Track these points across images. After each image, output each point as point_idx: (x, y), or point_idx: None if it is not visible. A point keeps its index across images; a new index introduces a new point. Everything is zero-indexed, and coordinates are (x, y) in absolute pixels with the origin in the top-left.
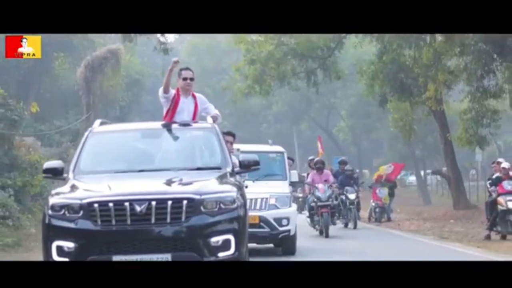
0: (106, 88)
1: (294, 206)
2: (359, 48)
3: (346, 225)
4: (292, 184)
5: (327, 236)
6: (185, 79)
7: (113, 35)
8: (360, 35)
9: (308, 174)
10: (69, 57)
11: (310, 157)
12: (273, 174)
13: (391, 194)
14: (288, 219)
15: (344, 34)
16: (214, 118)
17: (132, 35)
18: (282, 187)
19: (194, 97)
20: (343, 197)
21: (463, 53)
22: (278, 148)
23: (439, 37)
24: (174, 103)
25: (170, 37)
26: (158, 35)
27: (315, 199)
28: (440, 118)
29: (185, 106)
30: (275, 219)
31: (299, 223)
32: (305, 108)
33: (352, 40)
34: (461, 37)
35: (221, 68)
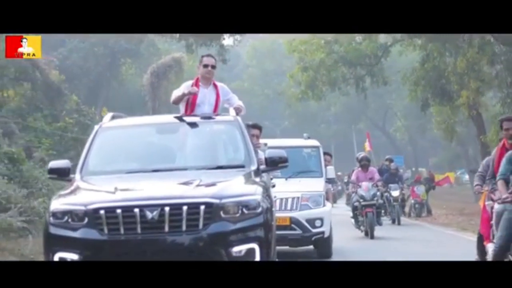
0: (170, 92)
1: (329, 205)
2: (404, 56)
3: (393, 221)
4: (330, 181)
5: (372, 237)
6: (206, 66)
7: (176, 43)
8: (405, 43)
9: (353, 171)
10: (135, 63)
11: (358, 153)
12: (307, 170)
13: (428, 190)
14: (321, 219)
15: (390, 43)
16: (238, 110)
17: (194, 47)
18: (316, 185)
19: (215, 86)
20: (387, 195)
21: (493, 62)
22: (313, 142)
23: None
24: (193, 95)
25: (230, 42)
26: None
27: (359, 199)
28: (477, 121)
29: (206, 97)
30: (307, 220)
31: (346, 223)
32: (362, 108)
33: (397, 48)
34: (492, 48)
35: (281, 70)
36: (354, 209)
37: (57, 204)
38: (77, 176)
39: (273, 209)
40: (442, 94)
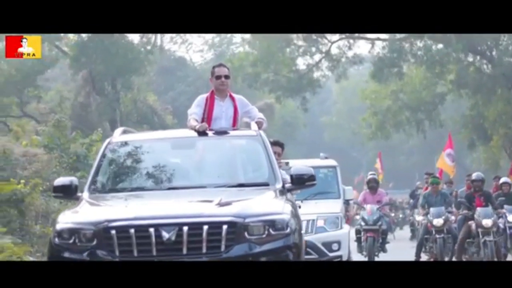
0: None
1: (347, 228)
2: (456, 103)
3: None
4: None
5: None
6: (218, 77)
7: (268, 95)
8: (455, 93)
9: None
10: None
11: (368, 173)
12: (324, 192)
13: None
14: (339, 243)
15: (445, 93)
16: (259, 124)
17: (281, 98)
18: (332, 207)
19: (232, 99)
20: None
21: None
22: (330, 162)
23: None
24: (209, 109)
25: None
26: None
27: (362, 222)
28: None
29: (222, 111)
30: (324, 244)
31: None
32: (438, 141)
33: (450, 97)
34: None
35: (365, 107)
36: (357, 232)
37: (64, 222)
38: (84, 194)
39: (302, 230)
40: (485, 136)
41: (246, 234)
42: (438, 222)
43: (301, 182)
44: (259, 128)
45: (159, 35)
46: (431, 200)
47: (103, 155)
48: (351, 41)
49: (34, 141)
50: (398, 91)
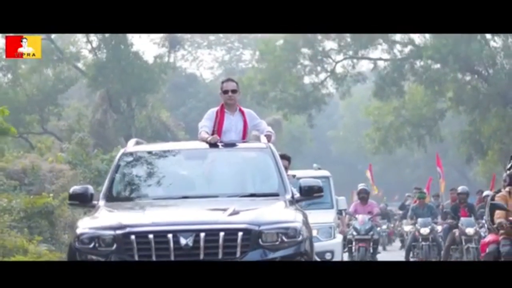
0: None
1: (339, 237)
2: (456, 119)
3: None
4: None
5: None
6: (226, 92)
7: (275, 112)
8: (454, 110)
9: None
10: None
11: (359, 185)
12: (317, 202)
13: None
14: (332, 252)
15: (445, 109)
16: (268, 137)
17: (288, 115)
18: (325, 217)
19: (241, 112)
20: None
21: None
22: (323, 173)
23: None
24: (219, 122)
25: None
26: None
27: (353, 231)
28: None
29: (232, 124)
30: (317, 253)
31: None
32: (442, 154)
33: (450, 113)
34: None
35: (369, 121)
36: (348, 242)
37: (84, 228)
38: (101, 202)
39: (312, 238)
40: (482, 151)
41: (260, 241)
42: (425, 231)
43: (310, 193)
44: (268, 141)
45: (172, 54)
46: (419, 212)
47: (118, 165)
48: (355, 60)
49: (59, 157)
50: (400, 107)
